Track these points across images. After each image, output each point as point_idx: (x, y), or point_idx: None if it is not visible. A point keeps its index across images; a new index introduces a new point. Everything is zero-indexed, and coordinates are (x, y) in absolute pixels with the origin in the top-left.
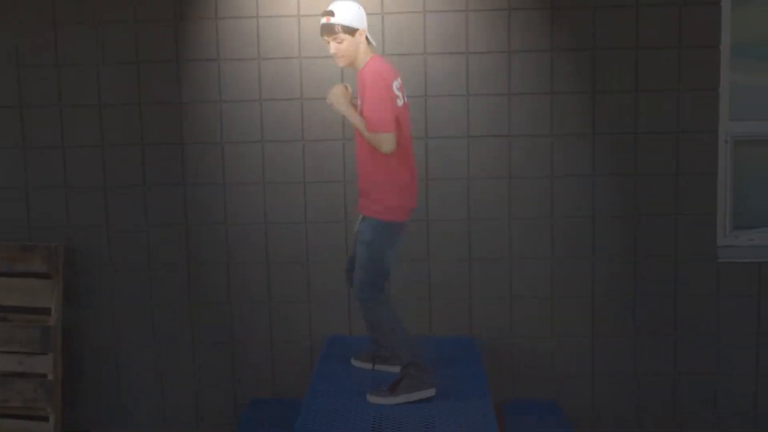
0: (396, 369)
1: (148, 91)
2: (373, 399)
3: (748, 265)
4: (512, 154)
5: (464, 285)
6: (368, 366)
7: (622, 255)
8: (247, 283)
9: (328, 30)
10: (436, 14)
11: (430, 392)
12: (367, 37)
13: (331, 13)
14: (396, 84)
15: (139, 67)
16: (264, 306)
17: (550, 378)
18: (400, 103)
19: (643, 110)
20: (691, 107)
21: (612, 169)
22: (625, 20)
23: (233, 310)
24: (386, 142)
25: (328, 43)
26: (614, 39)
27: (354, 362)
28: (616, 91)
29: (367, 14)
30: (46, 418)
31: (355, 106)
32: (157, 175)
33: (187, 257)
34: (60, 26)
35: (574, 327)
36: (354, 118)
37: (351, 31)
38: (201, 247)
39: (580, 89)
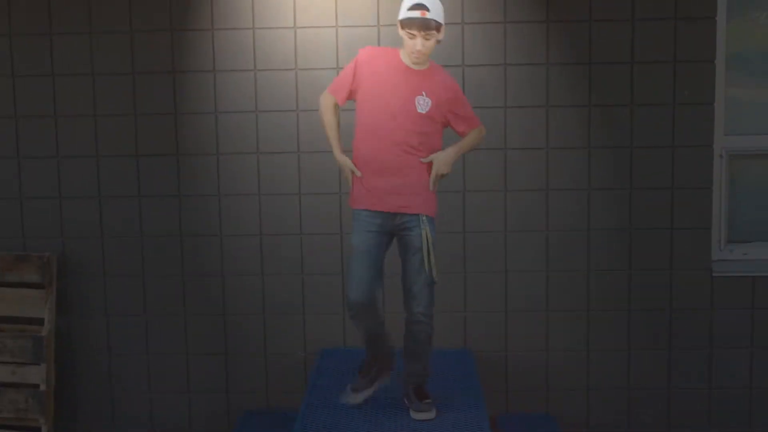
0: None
1: (143, 102)
2: (419, 416)
3: (742, 279)
4: (507, 167)
5: (459, 297)
6: (370, 392)
7: (616, 268)
8: (242, 294)
9: (425, 25)
10: None
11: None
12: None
13: (426, 7)
14: None
15: (134, 78)
16: (258, 317)
17: (543, 391)
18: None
19: (639, 124)
20: (686, 121)
21: (607, 182)
22: (621, 34)
23: (227, 321)
24: (484, 130)
25: (413, 38)
26: (610, 53)
27: (353, 397)
28: (611, 105)
29: (362, 27)
30: (38, 429)
31: (418, 103)
32: (152, 185)
33: (181, 268)
34: (56, 36)
35: (569, 340)
36: (460, 149)
37: (440, 27)
38: (195, 258)
39: (575, 103)
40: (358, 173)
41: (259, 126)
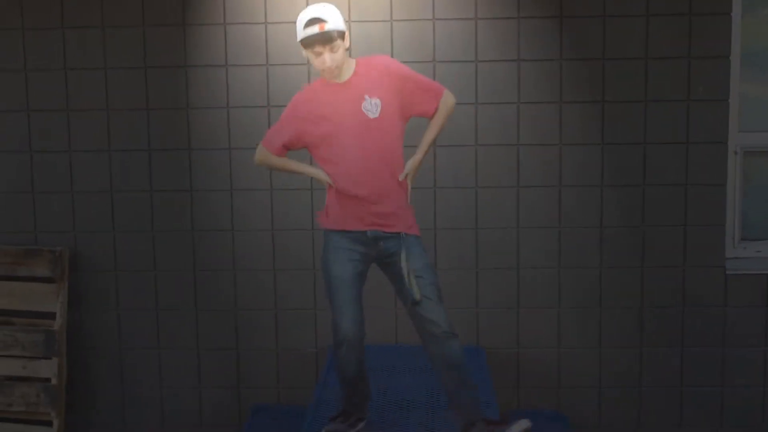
0: None
1: (155, 96)
2: None
3: (756, 277)
4: (520, 163)
5: (471, 294)
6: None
7: (629, 265)
8: (253, 290)
9: (325, 39)
10: (445, 22)
11: None
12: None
13: (323, 20)
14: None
15: (146, 72)
16: (269, 312)
17: (555, 388)
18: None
19: (653, 120)
20: (701, 118)
21: (620, 179)
22: (635, 30)
23: (239, 316)
24: (451, 94)
25: (320, 55)
26: (624, 49)
27: None
28: (625, 101)
29: (376, 22)
30: (49, 423)
31: (366, 110)
32: (163, 180)
33: (193, 263)
34: (68, 30)
35: (580, 337)
36: (423, 147)
37: (342, 34)
38: (207, 253)
39: (589, 98)
40: (332, 183)
41: (271, 121)
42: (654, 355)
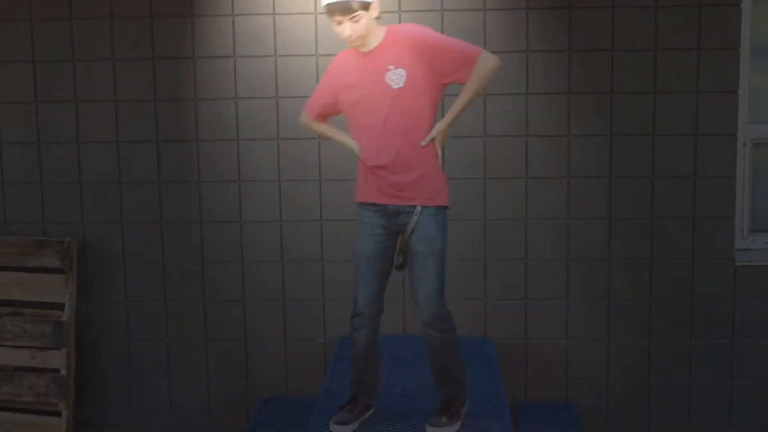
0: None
1: (163, 87)
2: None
3: (765, 269)
4: (529, 155)
5: (479, 285)
6: (356, 425)
7: (638, 257)
8: (262, 281)
9: (344, 9)
10: (453, 13)
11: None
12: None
13: None
14: None
15: (155, 63)
16: (278, 304)
17: (563, 379)
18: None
19: (662, 112)
20: (710, 109)
21: (629, 170)
22: (644, 21)
23: (247, 307)
24: (490, 55)
25: (340, 24)
26: (633, 40)
27: (340, 429)
28: (634, 93)
29: (384, 13)
30: (58, 413)
31: (390, 80)
32: (171, 171)
33: (201, 254)
34: (76, 21)
35: (589, 329)
36: (453, 112)
37: (366, 5)
38: (215, 244)
39: (597, 90)
40: (358, 153)
41: (279, 112)
42: (662, 347)
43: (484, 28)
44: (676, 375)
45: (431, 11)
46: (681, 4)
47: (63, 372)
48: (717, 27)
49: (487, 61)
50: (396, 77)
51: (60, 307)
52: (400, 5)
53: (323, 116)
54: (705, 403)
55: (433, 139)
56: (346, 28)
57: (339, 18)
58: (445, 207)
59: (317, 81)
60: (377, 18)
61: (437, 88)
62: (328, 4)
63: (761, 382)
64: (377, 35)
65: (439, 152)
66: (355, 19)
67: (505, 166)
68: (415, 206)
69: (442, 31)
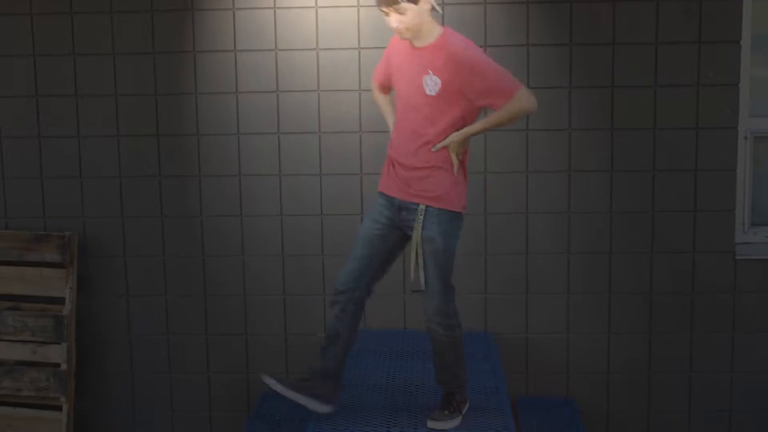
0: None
1: (164, 82)
2: (430, 424)
3: (766, 262)
4: (529, 149)
5: (479, 280)
6: (295, 396)
7: (639, 251)
8: (262, 276)
9: (388, 0)
10: (454, 7)
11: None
12: (433, 6)
13: None
14: None
15: (155, 58)
16: (278, 298)
17: (564, 374)
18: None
19: (662, 105)
20: (711, 103)
21: (630, 164)
22: (645, 14)
23: (247, 302)
24: (526, 96)
25: (387, 15)
26: (633, 33)
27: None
28: (635, 86)
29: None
30: (59, 408)
31: (426, 84)
32: (172, 165)
33: (201, 249)
34: (76, 15)
35: (590, 323)
36: (474, 128)
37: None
38: (216, 239)
39: (598, 84)
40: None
41: (280, 107)
42: (663, 341)
43: (484, 22)
44: (676, 369)
45: None
46: None
47: (64, 366)
48: (718, 20)
49: (521, 101)
50: (431, 83)
51: (61, 301)
52: None
53: (383, 88)
54: (706, 397)
55: (446, 146)
56: (392, 20)
57: (384, 9)
58: (455, 212)
59: (318, 75)
60: (432, 9)
61: (471, 106)
62: None
63: (762, 376)
64: (432, 32)
65: (454, 159)
66: (400, 10)
67: (506, 161)
68: (418, 204)
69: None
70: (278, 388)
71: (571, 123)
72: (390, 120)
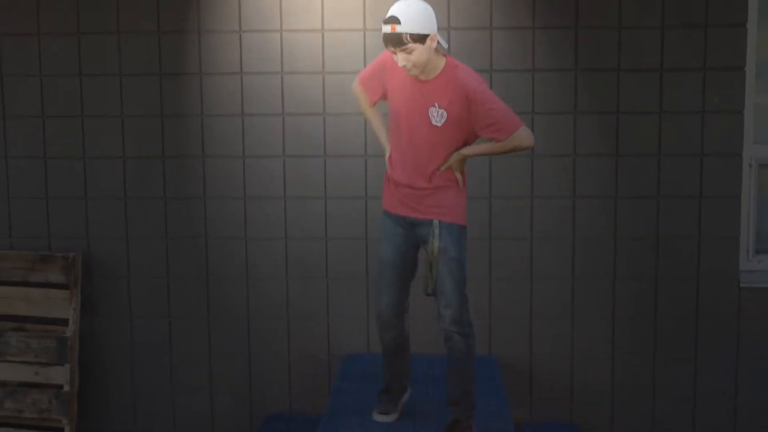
0: None
1: (170, 103)
2: None
3: None
4: (534, 173)
5: (484, 303)
6: (397, 413)
7: (643, 277)
8: (266, 298)
9: (394, 41)
10: (459, 32)
11: None
12: (438, 41)
13: (396, 20)
14: None
15: (161, 79)
16: (282, 321)
17: (568, 399)
18: None
19: (667, 132)
20: (716, 130)
21: (635, 190)
22: (650, 41)
23: (251, 323)
24: (527, 134)
25: (394, 53)
26: (639, 60)
27: (383, 419)
28: (639, 112)
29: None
30: (61, 430)
31: (432, 115)
32: (177, 187)
33: (206, 270)
34: (83, 36)
35: (594, 348)
36: (476, 150)
37: (421, 38)
38: (220, 261)
39: (603, 109)
40: (388, 169)
41: (285, 129)
42: (667, 367)
43: (490, 47)
44: (681, 395)
45: (438, 29)
46: (687, 24)
47: (66, 388)
48: (723, 47)
49: (521, 138)
50: (437, 115)
51: (64, 322)
52: None
53: (375, 96)
54: (709, 423)
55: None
56: (400, 59)
57: (392, 48)
58: (462, 226)
59: (324, 98)
60: (437, 48)
61: (473, 132)
62: (382, 34)
63: (765, 402)
64: (437, 65)
65: (458, 177)
66: (407, 50)
67: (510, 185)
68: (432, 220)
69: (448, 50)
70: (387, 419)
71: (576, 149)
72: (382, 136)
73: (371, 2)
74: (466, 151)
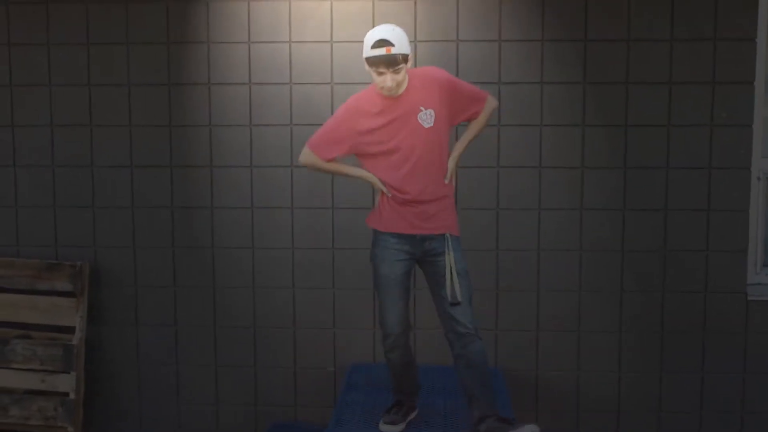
0: None
1: (178, 113)
2: None
3: None
4: (542, 185)
5: (490, 316)
6: (403, 426)
7: (650, 289)
8: (272, 307)
9: (391, 62)
10: (469, 44)
11: None
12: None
13: (390, 43)
14: None
15: (170, 89)
16: (288, 330)
17: (573, 412)
18: None
19: (676, 145)
20: (724, 143)
21: (642, 203)
22: (659, 54)
23: (257, 333)
24: (491, 96)
25: (382, 74)
26: (647, 73)
27: (389, 428)
28: (648, 125)
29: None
30: None
31: (422, 120)
32: (184, 196)
33: (212, 279)
34: (92, 46)
35: (600, 361)
36: (463, 144)
37: (408, 57)
38: (227, 270)
39: (612, 122)
40: (388, 193)
41: (293, 138)
42: (674, 380)
43: (499, 59)
44: (687, 408)
45: (446, 41)
46: (696, 38)
47: (72, 396)
48: (731, 61)
49: (492, 101)
50: (427, 117)
51: (71, 330)
52: (415, 36)
53: (328, 153)
54: None
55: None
56: (388, 79)
57: (383, 69)
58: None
59: (332, 109)
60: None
61: (452, 126)
62: (375, 56)
63: None
64: (405, 79)
65: (454, 184)
66: (397, 71)
67: (518, 197)
68: (443, 234)
69: (457, 62)
70: (394, 429)
71: (584, 161)
72: (355, 171)
73: (379, 14)
74: (457, 151)
